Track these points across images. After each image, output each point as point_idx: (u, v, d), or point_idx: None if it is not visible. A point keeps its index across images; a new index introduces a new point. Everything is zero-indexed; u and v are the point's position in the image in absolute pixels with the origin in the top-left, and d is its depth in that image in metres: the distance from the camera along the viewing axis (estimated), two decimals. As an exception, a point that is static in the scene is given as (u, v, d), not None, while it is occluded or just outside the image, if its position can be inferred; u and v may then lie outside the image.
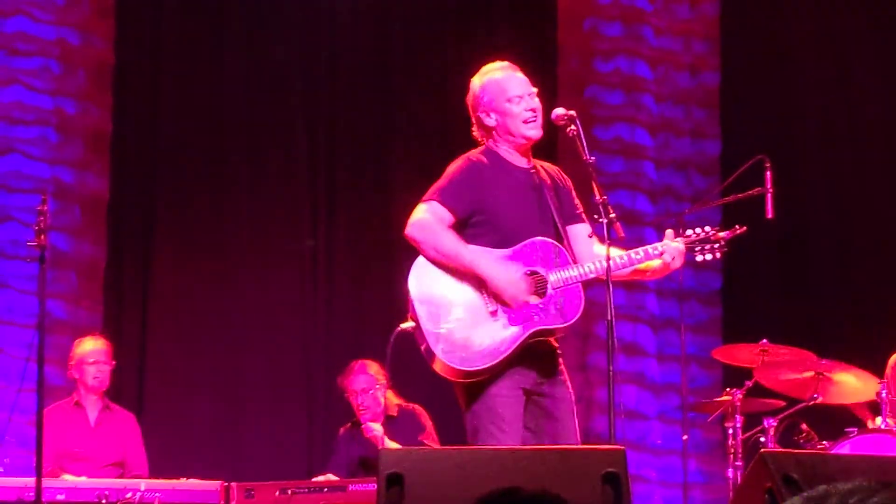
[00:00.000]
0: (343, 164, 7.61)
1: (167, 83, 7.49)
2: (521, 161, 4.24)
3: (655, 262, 4.18)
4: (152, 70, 7.50)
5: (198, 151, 7.47)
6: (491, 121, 4.21)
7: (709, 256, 4.27)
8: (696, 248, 4.25)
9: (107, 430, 6.08)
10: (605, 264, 4.00)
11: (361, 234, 7.57)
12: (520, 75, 4.25)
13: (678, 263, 4.18)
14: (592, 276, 4.08)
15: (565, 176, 4.28)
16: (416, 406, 6.07)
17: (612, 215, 3.98)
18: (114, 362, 6.15)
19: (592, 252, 4.15)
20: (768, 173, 5.64)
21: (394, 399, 6.04)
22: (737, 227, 4.34)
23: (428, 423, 6.00)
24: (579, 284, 4.09)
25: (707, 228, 4.28)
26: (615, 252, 4.14)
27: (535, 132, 4.18)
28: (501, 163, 4.22)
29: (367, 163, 7.65)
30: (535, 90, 4.23)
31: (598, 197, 4.02)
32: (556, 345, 4.21)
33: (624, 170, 7.76)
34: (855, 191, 7.81)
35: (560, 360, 4.21)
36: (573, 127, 4.09)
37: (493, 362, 4.04)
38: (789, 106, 7.89)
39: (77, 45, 7.33)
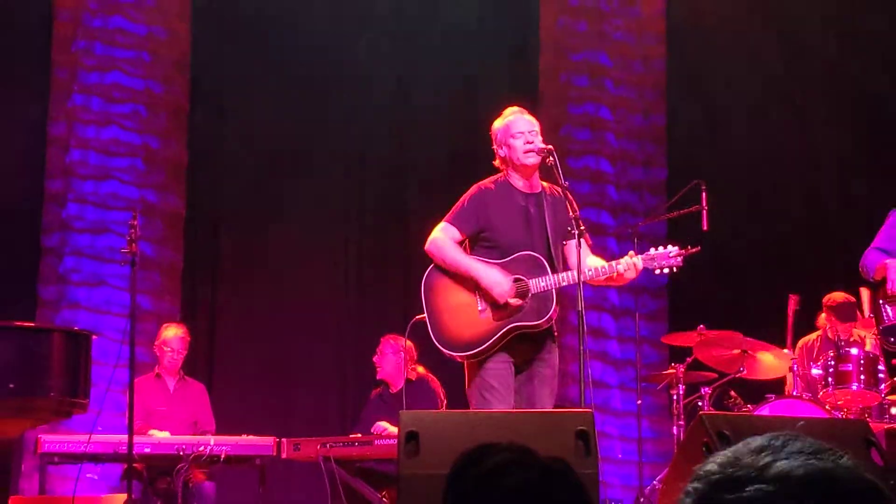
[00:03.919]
0: (371, 192, 7.62)
1: (232, 122, 7.51)
2: (526, 187, 4.21)
3: (613, 274, 4.12)
4: (219, 112, 7.52)
5: (256, 177, 7.48)
6: (502, 152, 4.22)
7: (665, 271, 4.13)
8: (655, 264, 4.12)
9: (182, 396, 6.06)
10: (576, 275, 4.00)
11: (384, 244, 7.57)
12: (527, 117, 4.23)
13: (632, 275, 4.10)
14: (565, 283, 4.06)
15: (571, 197, 4.13)
16: (431, 376, 6.07)
17: (582, 228, 4.00)
18: (185, 351, 6.06)
19: (585, 263, 4.07)
20: (704, 194, 5.64)
21: (419, 369, 6.04)
22: (689, 246, 4.17)
23: (437, 390, 5.99)
24: (553, 290, 4.07)
25: (670, 248, 4.13)
26: (594, 263, 4.13)
27: (530, 160, 4.15)
28: (508, 189, 4.21)
29: (389, 188, 7.66)
30: (536, 129, 4.18)
31: (571, 213, 4.03)
32: (552, 330, 4.16)
33: (591, 191, 7.76)
34: (772, 208, 7.81)
35: (550, 341, 4.18)
36: (551, 158, 4.11)
37: (476, 350, 4.07)
38: (720, 141, 7.90)
39: (160, 94, 7.35)
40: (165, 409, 5.93)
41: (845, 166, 7.76)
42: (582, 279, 4.00)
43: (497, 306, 4.08)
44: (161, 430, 5.66)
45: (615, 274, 4.12)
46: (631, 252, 4.17)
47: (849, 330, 5.95)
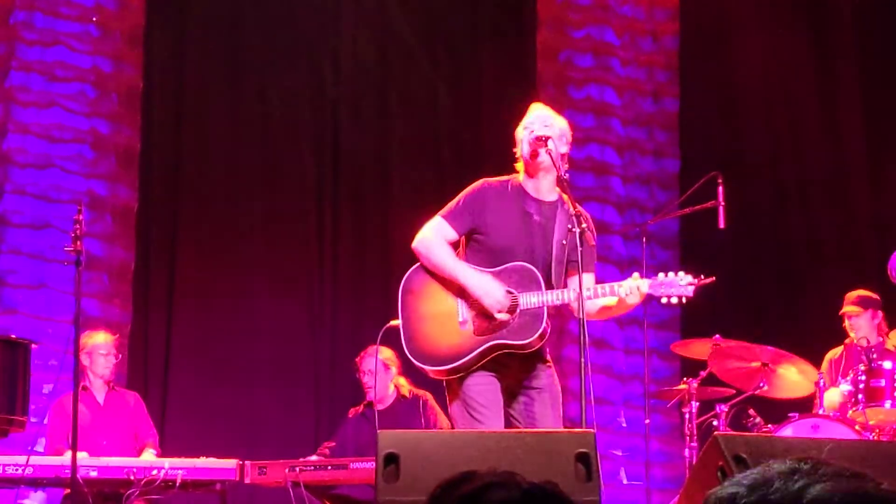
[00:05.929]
0: (347, 176, 7.61)
1: (189, 105, 7.48)
2: (539, 193, 4.15)
3: (613, 300, 4.08)
4: (176, 94, 7.49)
5: (216, 165, 7.47)
6: (518, 150, 4.19)
7: (674, 300, 4.09)
8: (662, 291, 4.07)
9: (114, 407, 6.03)
10: (570, 294, 3.97)
11: (363, 238, 7.56)
12: (541, 112, 4.20)
13: (634, 300, 4.04)
14: (558, 302, 4.01)
15: (590, 223, 4.04)
16: (426, 392, 6.00)
17: (584, 226, 3.98)
18: (119, 355, 6.11)
19: (585, 283, 3.97)
20: (721, 188, 5.66)
21: (406, 385, 6.00)
22: (702, 276, 4.15)
23: (435, 407, 5.91)
24: (544, 309, 4.02)
25: (681, 275, 4.09)
26: (589, 284, 4.07)
27: (529, 152, 4.09)
28: (516, 191, 4.16)
29: (367, 176, 7.65)
30: (551, 124, 4.13)
31: (571, 209, 4.02)
32: (542, 353, 4.14)
33: (594, 185, 7.77)
34: (797, 203, 7.84)
35: (541, 364, 4.14)
36: (550, 147, 4.09)
37: (451, 366, 4.05)
38: (740, 128, 7.92)
39: (109, 72, 7.33)
40: (96, 425, 5.87)
41: (881, 158, 7.78)
42: (577, 300, 3.92)
43: (481, 319, 4.06)
44: (92, 450, 5.55)
45: (613, 302, 4.06)
46: (636, 274, 4.12)
47: (873, 328, 5.98)
